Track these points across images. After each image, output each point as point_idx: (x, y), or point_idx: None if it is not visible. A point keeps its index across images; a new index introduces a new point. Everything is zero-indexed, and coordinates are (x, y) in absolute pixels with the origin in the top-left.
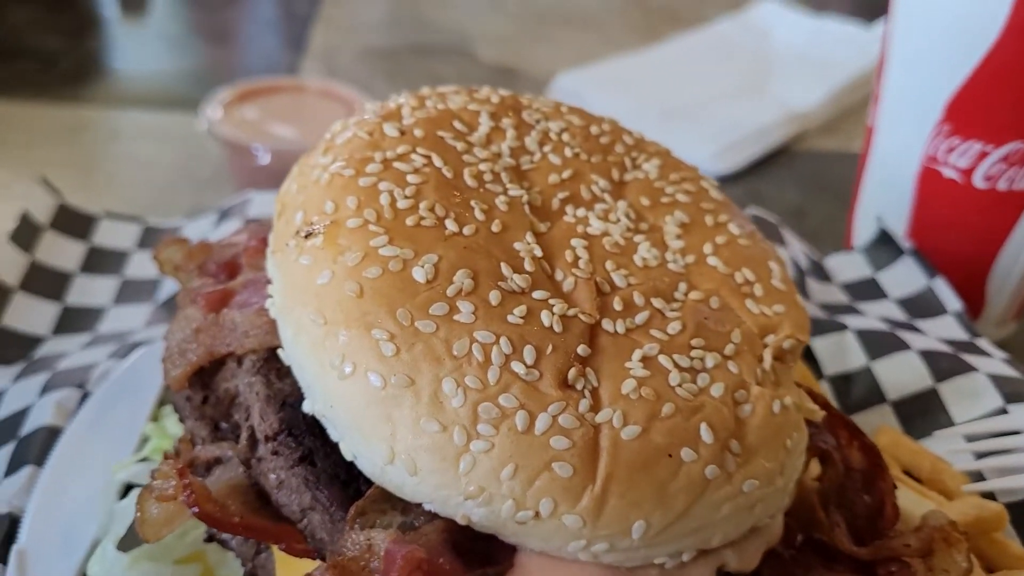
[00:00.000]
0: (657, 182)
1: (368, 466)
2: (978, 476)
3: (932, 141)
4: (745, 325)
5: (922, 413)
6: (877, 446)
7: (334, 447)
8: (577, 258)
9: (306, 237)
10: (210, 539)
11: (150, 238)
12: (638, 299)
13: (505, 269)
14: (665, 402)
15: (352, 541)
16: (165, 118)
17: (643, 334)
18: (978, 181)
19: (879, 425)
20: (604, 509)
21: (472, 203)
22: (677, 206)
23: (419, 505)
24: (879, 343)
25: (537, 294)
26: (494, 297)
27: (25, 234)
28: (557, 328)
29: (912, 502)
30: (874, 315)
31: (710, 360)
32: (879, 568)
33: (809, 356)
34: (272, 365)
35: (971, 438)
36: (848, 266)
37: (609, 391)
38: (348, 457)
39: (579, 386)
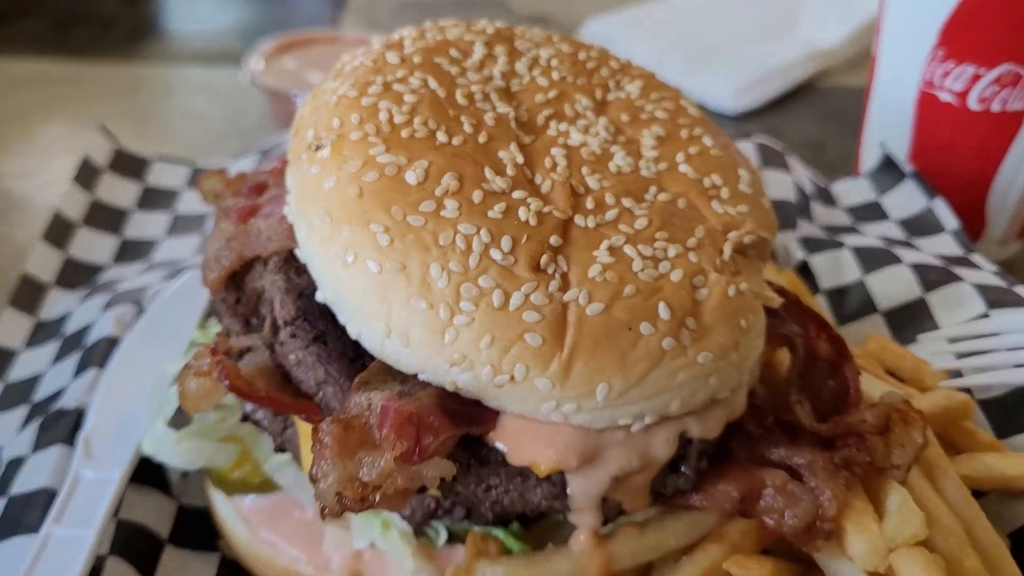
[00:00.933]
0: (638, 101)
1: (370, 342)
2: (957, 374)
3: (928, 66)
4: (709, 223)
5: (910, 321)
6: (843, 337)
7: (343, 330)
8: (555, 164)
9: (316, 150)
10: (245, 419)
11: (199, 178)
12: (609, 199)
13: (488, 173)
14: (627, 284)
15: (355, 402)
16: (214, 72)
17: (612, 228)
18: (973, 103)
19: (869, 333)
20: (571, 373)
21: (462, 118)
22: (655, 122)
23: (415, 376)
24: (873, 258)
25: (516, 194)
26: (477, 196)
27: (87, 176)
28: (532, 222)
29: (878, 389)
30: (874, 235)
31: (672, 250)
32: (838, 442)
33: (807, 272)
34: (291, 264)
35: (953, 340)
36: (853, 191)
37: (577, 274)
38: (353, 336)
39: (550, 270)
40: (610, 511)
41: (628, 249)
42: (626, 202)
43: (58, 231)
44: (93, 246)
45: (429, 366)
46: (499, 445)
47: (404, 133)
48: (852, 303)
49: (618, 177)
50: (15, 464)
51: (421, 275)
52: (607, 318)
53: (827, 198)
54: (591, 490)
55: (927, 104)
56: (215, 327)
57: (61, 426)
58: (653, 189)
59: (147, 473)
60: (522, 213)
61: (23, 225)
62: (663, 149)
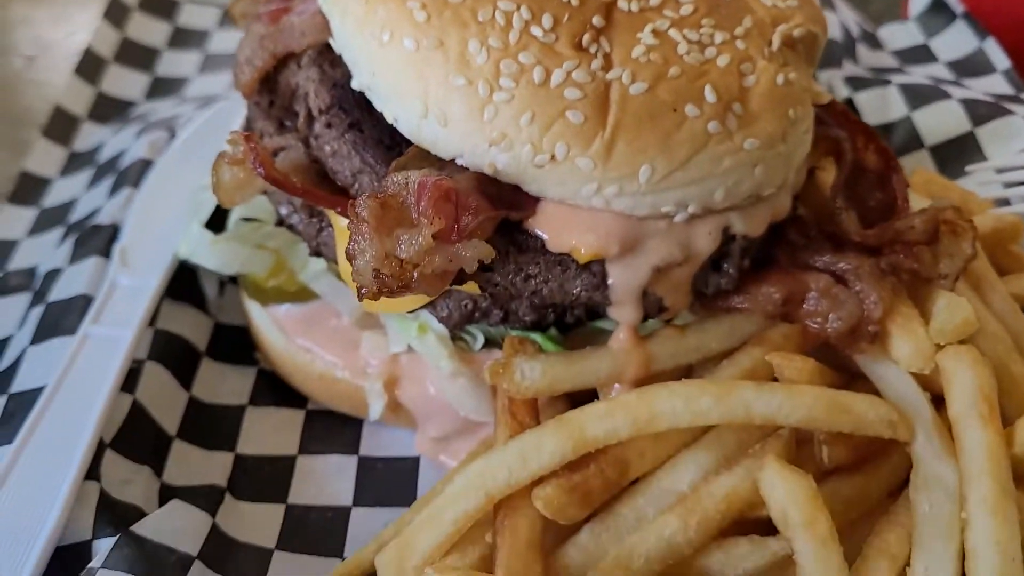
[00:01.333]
0: None
1: (406, 125)
2: (1005, 203)
3: None
4: (757, 15)
5: (958, 155)
6: (890, 148)
7: (379, 119)
8: None
9: None
10: (279, 223)
11: (229, 20)
12: None
13: None
14: (672, 65)
15: (392, 181)
16: None
17: (656, 12)
18: None
19: (915, 168)
20: (613, 152)
21: None
22: None
23: (452, 161)
24: (921, 94)
25: None
26: None
27: (117, 14)
28: (575, 2)
29: (926, 204)
30: (922, 75)
31: (719, 36)
32: (884, 249)
33: (852, 110)
34: (326, 57)
35: (1001, 170)
36: (901, 34)
37: (620, 55)
38: (390, 120)
39: (592, 50)
40: (651, 306)
41: (673, 32)
42: None
43: (90, 66)
44: (125, 82)
45: (467, 146)
46: (538, 231)
47: None
48: (898, 139)
49: None
50: (52, 275)
51: (459, 51)
52: (651, 98)
53: (873, 42)
54: (632, 280)
55: None
56: None
57: (97, 240)
58: None
59: (184, 289)
60: None
61: (55, 69)
62: None
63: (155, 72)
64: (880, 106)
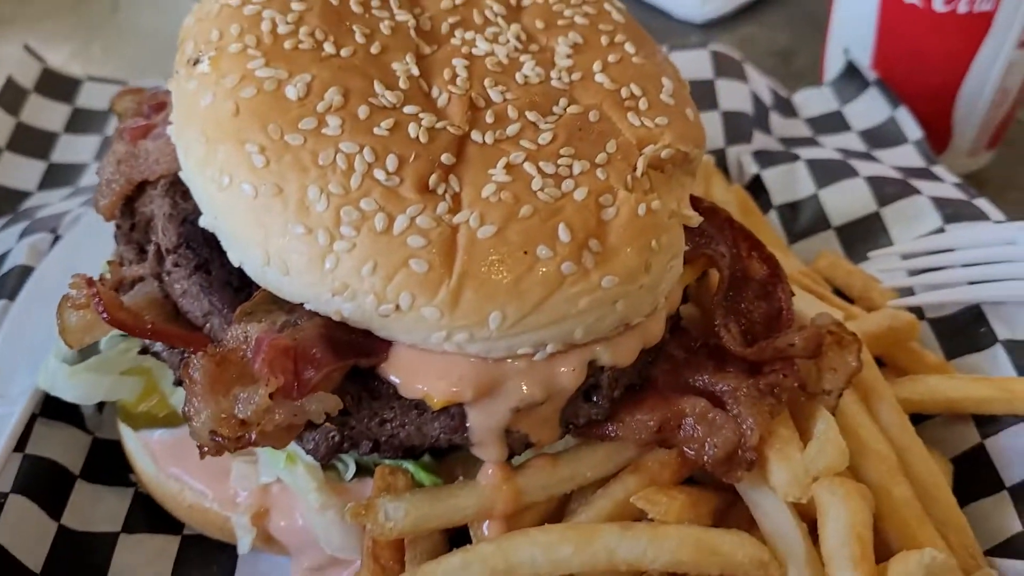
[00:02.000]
0: (556, 5)
1: (251, 269)
2: (909, 292)
3: None
4: (623, 137)
5: (864, 237)
6: (775, 256)
7: (227, 258)
8: (455, 76)
9: (193, 64)
10: (144, 351)
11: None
12: (512, 112)
13: (378, 87)
14: (523, 204)
15: (231, 335)
16: None
17: (512, 144)
18: (938, 4)
19: (820, 250)
20: (460, 301)
21: (354, 27)
22: (573, 28)
23: (301, 305)
24: (828, 171)
25: (408, 109)
26: (363, 111)
27: (12, 97)
28: (423, 139)
29: (815, 309)
30: (832, 147)
31: (577, 167)
32: (765, 367)
33: (760, 187)
34: (178, 188)
35: (906, 256)
36: (816, 100)
37: (469, 195)
38: (235, 263)
39: (440, 190)
40: (516, 443)
41: (528, 166)
42: (530, 115)
43: None
44: (18, 171)
45: (311, 295)
46: (391, 377)
47: (287, 44)
48: (805, 218)
49: (524, 88)
50: None
51: (299, 198)
52: (499, 241)
53: (787, 109)
54: (491, 423)
55: (891, 6)
56: None
57: None
58: (563, 101)
59: (61, 408)
60: (412, 129)
61: None
62: (579, 57)
63: (50, 159)
64: (788, 183)
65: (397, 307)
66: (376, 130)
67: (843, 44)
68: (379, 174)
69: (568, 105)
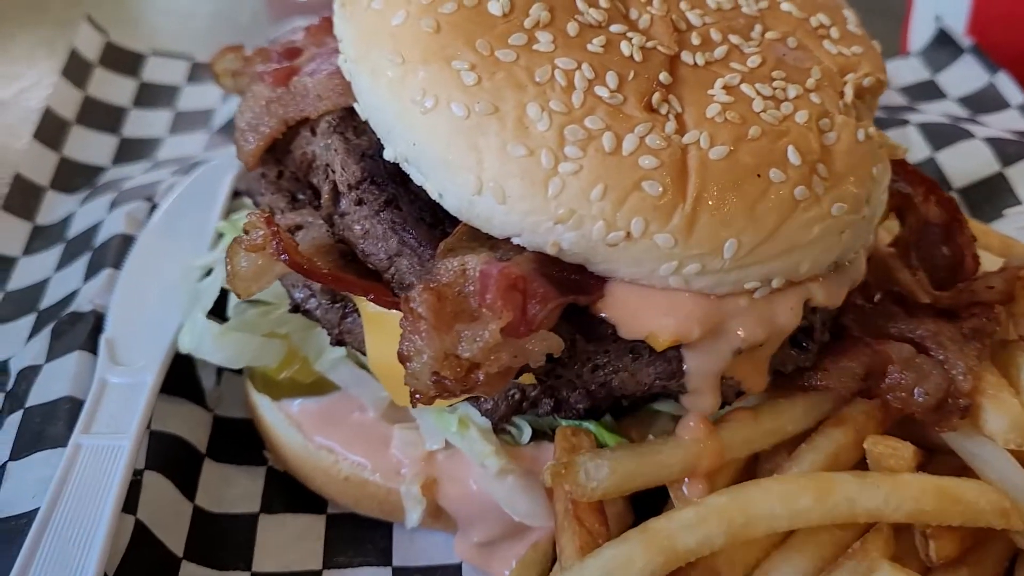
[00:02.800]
0: None
1: (455, 201)
2: None
3: None
4: (824, 64)
5: (989, 198)
6: (953, 199)
7: (417, 192)
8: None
9: None
10: (295, 309)
11: (199, 73)
12: (715, 35)
13: (580, 4)
14: (751, 125)
15: (444, 268)
16: None
17: (723, 66)
18: None
19: None
20: (695, 227)
21: None
22: None
23: (507, 240)
24: (942, 134)
25: (614, 27)
26: (572, 28)
27: (77, 71)
28: (637, 57)
29: (990, 260)
30: (935, 112)
31: (792, 90)
32: (962, 312)
33: None
34: (348, 123)
35: None
36: (904, 70)
37: (693, 115)
38: (434, 196)
39: (663, 110)
40: (728, 391)
41: (746, 88)
42: (733, 39)
43: (50, 130)
44: (90, 145)
45: (528, 225)
46: (607, 316)
47: None
48: None
49: (719, 13)
50: (28, 373)
51: (517, 116)
52: (733, 163)
53: None
54: (712, 366)
55: None
56: (242, 218)
57: (77, 330)
58: (759, 27)
59: (178, 381)
60: (624, 47)
61: (9, 133)
62: None
63: (122, 133)
64: None
65: (628, 234)
66: (589, 47)
67: (932, 12)
68: (601, 91)
69: (764, 31)
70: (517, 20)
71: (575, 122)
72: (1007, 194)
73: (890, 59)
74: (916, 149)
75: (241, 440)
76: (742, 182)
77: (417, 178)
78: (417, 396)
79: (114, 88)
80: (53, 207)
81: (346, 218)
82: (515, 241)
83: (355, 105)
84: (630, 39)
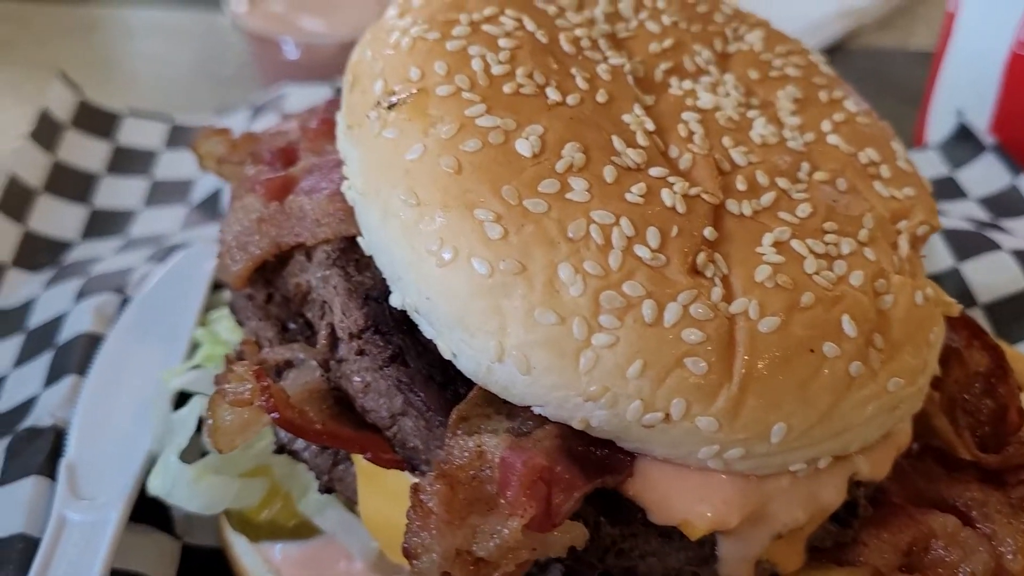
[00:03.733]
0: (763, 54)
1: (471, 365)
2: None
3: None
4: (876, 210)
5: (1017, 317)
6: (1001, 347)
7: (426, 346)
8: (692, 133)
9: (389, 108)
10: (280, 450)
11: (179, 137)
12: (762, 179)
13: (617, 143)
14: (804, 291)
15: (460, 448)
16: (180, 15)
17: (771, 217)
18: None
19: None
20: (741, 410)
21: (572, 71)
22: (788, 80)
23: (527, 409)
24: (966, 243)
25: (654, 171)
26: (609, 173)
27: (46, 132)
28: (680, 208)
29: None
30: (956, 215)
31: (845, 246)
32: (1008, 476)
33: None
34: (350, 256)
35: None
36: (922, 164)
37: (741, 279)
38: (447, 356)
39: (709, 273)
40: (762, 574)
41: (797, 244)
42: (781, 183)
43: (14, 199)
44: (57, 217)
45: (554, 399)
46: (637, 499)
47: (507, 88)
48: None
49: (764, 150)
50: None
51: (547, 278)
52: (784, 336)
53: None
54: (748, 553)
55: (1020, 67)
56: (220, 321)
57: (35, 449)
58: (806, 166)
59: (143, 507)
60: (667, 197)
61: None
62: (804, 115)
63: (93, 203)
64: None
65: (667, 416)
66: (628, 196)
67: (953, 105)
68: (641, 251)
69: (812, 171)
70: (548, 163)
71: (612, 287)
72: None
73: (909, 151)
74: (939, 258)
75: (213, 573)
76: (794, 358)
77: (428, 332)
78: None
79: (86, 152)
80: (14, 287)
81: (344, 366)
82: (536, 411)
83: (359, 239)
84: (672, 185)
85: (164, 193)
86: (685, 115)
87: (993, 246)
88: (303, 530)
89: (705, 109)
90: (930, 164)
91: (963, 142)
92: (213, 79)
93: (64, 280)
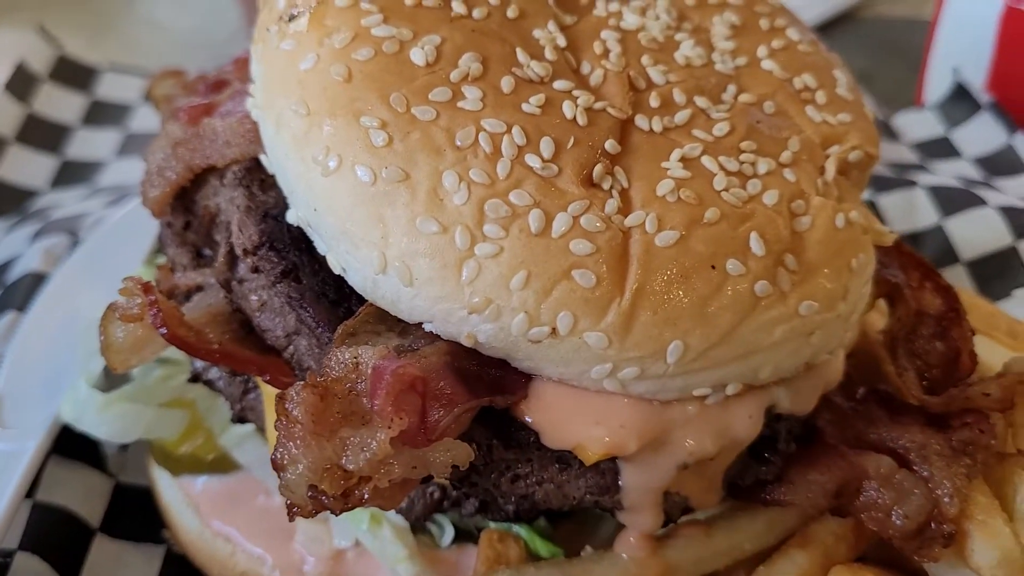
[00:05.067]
0: None
1: (358, 278)
2: None
3: None
4: (805, 133)
5: (1000, 274)
6: (954, 288)
7: (322, 263)
8: (607, 51)
9: (289, 20)
10: (195, 379)
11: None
12: (679, 97)
13: (521, 56)
14: (708, 207)
15: (336, 360)
16: None
17: (684, 134)
18: None
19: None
20: (633, 326)
21: None
22: (727, 7)
23: (419, 326)
24: (952, 199)
25: (559, 84)
26: (506, 84)
27: (22, 84)
28: (581, 120)
29: (991, 352)
30: (947, 173)
31: (763, 166)
32: (953, 420)
33: (874, 215)
34: (256, 175)
35: None
36: (919, 124)
37: (642, 192)
38: (336, 270)
39: (606, 185)
40: (673, 508)
41: (707, 161)
42: (700, 101)
43: None
44: (27, 166)
45: (439, 312)
46: (531, 421)
47: (408, 0)
48: (929, 251)
49: (687, 71)
50: None
51: (431, 186)
52: (683, 251)
53: (889, 132)
54: (652, 482)
55: (1014, 22)
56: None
57: None
58: (732, 88)
59: (77, 444)
60: (567, 108)
61: None
62: (740, 41)
63: (64, 154)
64: (907, 211)
65: (553, 331)
66: (525, 106)
67: (949, 64)
68: (532, 160)
69: (738, 93)
70: (442, 71)
71: (498, 196)
72: (1019, 271)
73: (904, 110)
74: (923, 214)
75: (143, 513)
76: (693, 275)
77: (320, 247)
78: (295, 510)
79: (62, 104)
80: None
81: (243, 285)
82: (426, 327)
83: (262, 156)
84: (575, 98)
85: (137, 145)
86: (605, 33)
87: (979, 202)
88: (223, 464)
89: (628, 30)
90: (926, 125)
91: (960, 101)
92: (208, 43)
93: (24, 225)
